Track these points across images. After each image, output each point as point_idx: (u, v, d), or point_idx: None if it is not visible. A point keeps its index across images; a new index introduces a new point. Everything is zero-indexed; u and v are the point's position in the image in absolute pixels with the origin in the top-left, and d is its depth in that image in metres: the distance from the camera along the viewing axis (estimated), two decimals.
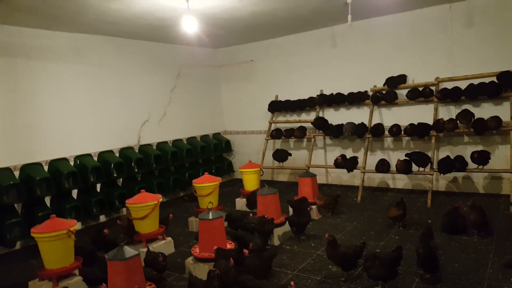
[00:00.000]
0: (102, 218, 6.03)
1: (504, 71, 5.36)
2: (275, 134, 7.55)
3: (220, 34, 6.80)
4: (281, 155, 7.34)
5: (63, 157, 5.55)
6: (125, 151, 6.32)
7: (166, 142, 7.16)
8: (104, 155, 6.01)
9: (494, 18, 5.51)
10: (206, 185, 5.25)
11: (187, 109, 7.76)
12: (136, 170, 6.11)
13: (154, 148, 6.88)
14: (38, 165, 5.24)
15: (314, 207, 5.33)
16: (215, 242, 3.63)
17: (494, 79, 5.46)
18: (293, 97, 7.54)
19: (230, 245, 3.89)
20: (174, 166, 7.05)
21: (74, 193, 5.63)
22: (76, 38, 5.82)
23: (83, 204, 5.51)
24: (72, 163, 5.65)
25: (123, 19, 5.14)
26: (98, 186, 5.89)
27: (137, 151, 6.57)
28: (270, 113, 7.83)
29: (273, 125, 7.85)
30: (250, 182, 6.18)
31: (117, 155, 6.25)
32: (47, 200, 5.32)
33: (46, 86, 5.44)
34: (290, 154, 7.34)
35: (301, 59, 7.43)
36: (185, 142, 7.50)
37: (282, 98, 7.76)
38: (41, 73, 5.37)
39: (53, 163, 5.38)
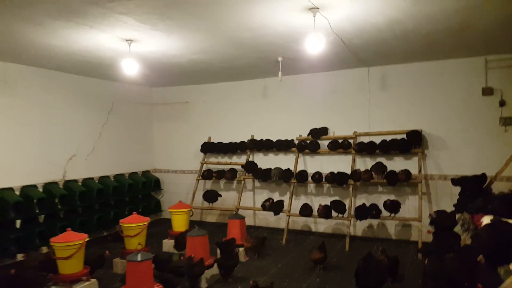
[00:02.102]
0: (19, 256, 5.47)
1: (412, 130, 6.11)
2: (206, 174, 7.66)
3: (156, 76, 6.93)
4: (211, 196, 7.42)
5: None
6: (49, 186, 5.96)
7: (92, 179, 6.86)
8: (27, 190, 5.61)
9: (404, 83, 6.35)
10: (134, 225, 5.13)
11: (117, 145, 7.58)
12: (59, 206, 5.77)
13: (80, 184, 6.55)
14: None
15: (241, 249, 5.46)
16: (143, 285, 3.55)
17: (405, 136, 6.20)
18: (225, 140, 7.80)
19: None
20: (99, 204, 6.74)
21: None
22: (5, 67, 5.54)
23: None
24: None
25: (62, 54, 5.06)
26: (18, 222, 5.44)
27: (61, 186, 6.21)
28: (202, 154, 7.97)
29: (204, 165, 7.97)
30: (179, 223, 6.12)
31: (41, 190, 5.86)
32: None
33: None
34: (220, 195, 7.46)
35: (235, 105, 7.81)
36: (112, 179, 7.25)
37: (214, 140, 7.98)
38: None
39: None
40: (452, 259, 2.78)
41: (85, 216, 6.36)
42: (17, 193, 5.56)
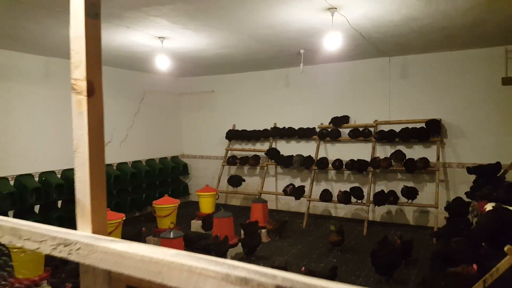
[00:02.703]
0: None
1: (431, 119, 6.24)
2: (231, 160, 8.06)
3: (184, 67, 7.32)
4: (235, 181, 7.82)
5: (29, 173, 5.66)
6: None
7: (126, 163, 7.39)
8: (67, 173, 6.15)
9: (424, 72, 6.46)
10: (166, 206, 5.59)
11: (148, 132, 8.08)
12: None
13: (115, 168, 7.09)
14: (5, 179, 5.32)
15: (264, 230, 5.85)
16: None
17: (424, 125, 6.35)
18: (249, 128, 8.15)
19: None
20: (132, 187, 7.28)
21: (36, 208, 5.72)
22: (48, 61, 6.05)
23: (45, 220, 5.61)
24: (36, 179, 5.75)
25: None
26: (59, 202, 6.01)
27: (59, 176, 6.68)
28: (227, 141, 8.36)
29: (229, 152, 8.37)
30: (206, 205, 6.56)
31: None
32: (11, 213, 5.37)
33: (14, 105, 5.59)
34: (244, 180, 7.86)
35: (258, 94, 8.11)
36: (144, 164, 7.77)
37: (239, 127, 8.34)
38: (7, 94, 5.52)
39: (19, 178, 5.49)
40: (457, 242, 3.03)
41: (119, 198, 6.91)
42: (59, 176, 6.09)
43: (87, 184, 0.96)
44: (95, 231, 0.97)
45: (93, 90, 0.94)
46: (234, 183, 7.83)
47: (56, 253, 0.93)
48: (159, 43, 4.90)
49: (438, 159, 6.15)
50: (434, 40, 5.30)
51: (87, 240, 0.88)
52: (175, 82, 8.92)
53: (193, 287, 0.70)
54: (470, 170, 4.98)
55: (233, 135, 8.25)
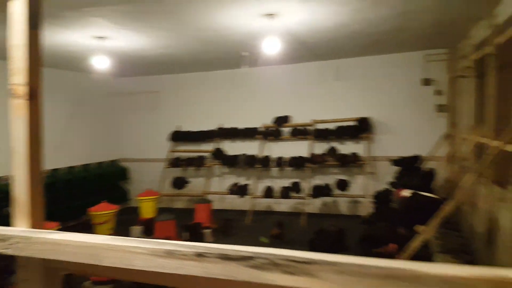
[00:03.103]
0: None
1: (362, 117, 6.81)
2: (175, 162, 8.03)
3: (126, 66, 7.15)
4: (179, 183, 7.80)
5: None
6: None
7: (60, 169, 7.04)
8: None
9: (356, 75, 7.01)
10: (103, 213, 5.43)
11: (84, 135, 7.76)
12: None
13: (48, 174, 6.73)
14: None
15: (208, 230, 5.93)
16: None
17: (355, 123, 6.86)
18: (194, 129, 8.17)
19: None
20: (67, 194, 6.92)
21: None
22: None
23: None
24: None
25: None
26: None
27: None
28: (171, 142, 8.30)
29: (173, 154, 8.31)
30: (148, 210, 6.44)
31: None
32: None
33: None
34: (188, 182, 7.87)
35: (204, 94, 8.17)
36: (80, 169, 7.46)
37: (183, 128, 8.32)
38: None
39: None
40: (380, 226, 3.40)
41: (53, 206, 6.54)
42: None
43: (25, 182, 1.01)
44: (34, 226, 1.03)
45: (33, 95, 1.00)
46: (178, 185, 7.80)
47: None
48: (99, 42, 4.78)
49: (367, 153, 6.69)
50: (363, 45, 5.76)
51: (25, 234, 0.94)
52: (116, 82, 8.64)
53: (127, 264, 0.81)
54: (394, 162, 5.52)
55: (178, 137, 8.21)
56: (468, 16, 4.26)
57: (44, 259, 0.94)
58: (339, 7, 3.82)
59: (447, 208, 2.57)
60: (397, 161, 5.43)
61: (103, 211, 5.40)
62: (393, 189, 4.69)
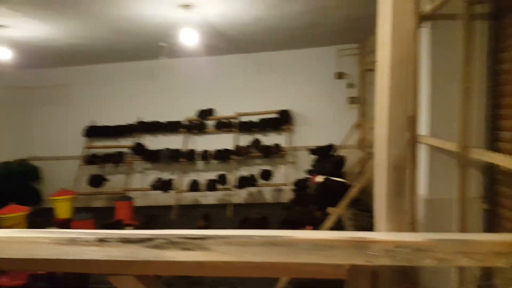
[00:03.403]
0: None
1: (283, 110, 7.09)
2: (91, 159, 7.56)
3: (31, 58, 6.51)
4: (96, 181, 7.39)
5: None
6: None
7: None
8: None
9: (276, 68, 7.24)
10: (12, 216, 4.98)
11: None
12: None
13: None
14: None
15: (130, 227, 5.73)
16: None
17: (277, 115, 7.12)
18: (112, 123, 7.76)
19: None
20: None
21: None
22: None
23: None
24: None
25: None
26: None
27: None
28: (86, 138, 7.79)
29: (89, 150, 7.82)
30: (63, 210, 6.07)
31: None
32: None
33: None
34: (106, 179, 7.48)
35: (121, 87, 7.78)
36: None
37: (100, 123, 7.85)
38: None
39: None
40: (297, 210, 3.62)
41: None
42: None
43: None
44: None
45: None
46: (95, 183, 7.39)
47: None
48: None
49: (288, 144, 7.01)
50: (280, 39, 5.98)
51: None
52: (21, 74, 7.79)
53: (31, 254, 0.80)
54: (312, 151, 5.88)
55: (93, 132, 7.73)
56: (375, 12, 4.65)
57: None
58: (256, 1, 3.92)
59: (353, 190, 2.83)
60: (314, 150, 5.80)
61: (11, 213, 4.93)
62: (309, 176, 5.00)
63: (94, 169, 7.90)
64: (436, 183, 2.74)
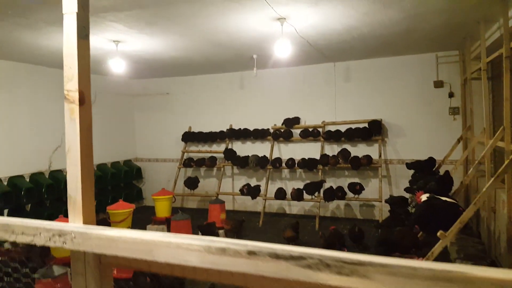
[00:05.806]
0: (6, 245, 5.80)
1: (373, 120, 6.78)
2: (187, 162, 8.12)
3: (139, 69, 7.27)
4: (192, 183, 7.89)
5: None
6: (36, 176, 6.29)
7: None
8: (15, 180, 5.90)
9: (366, 77, 6.99)
10: (121, 212, 5.54)
11: (99, 135, 7.86)
12: (45, 195, 6.10)
13: (65, 174, 6.86)
14: None
15: (221, 231, 6.00)
16: None
17: (366, 125, 6.86)
18: (205, 129, 8.26)
19: None
20: None
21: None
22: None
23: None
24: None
25: (48, 51, 5.37)
26: (5, 211, 5.74)
27: (47, 176, 6.53)
28: (183, 143, 8.40)
29: (185, 154, 8.41)
30: (162, 209, 6.56)
31: (28, 180, 6.18)
32: None
33: None
34: (199, 182, 7.94)
35: (214, 95, 8.26)
36: (95, 169, 7.58)
37: (195, 129, 8.41)
38: None
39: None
40: (398, 231, 3.41)
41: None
42: (5, 183, 5.86)
43: (79, 181, 1.08)
44: (86, 222, 1.10)
45: (84, 100, 1.08)
46: (191, 185, 7.89)
47: (51, 244, 1.05)
48: (114, 46, 4.89)
49: (380, 156, 6.69)
50: (373, 46, 5.78)
51: (81, 230, 1.01)
52: (129, 84, 8.79)
53: (181, 260, 0.86)
54: (409, 165, 5.51)
55: (189, 137, 8.31)
56: (478, 18, 4.27)
57: (98, 254, 1.00)
58: (349, 10, 3.86)
59: (467, 214, 2.57)
60: (411, 164, 5.42)
61: (121, 209, 5.50)
62: (411, 193, 4.69)
63: (190, 172, 8.48)
64: None
